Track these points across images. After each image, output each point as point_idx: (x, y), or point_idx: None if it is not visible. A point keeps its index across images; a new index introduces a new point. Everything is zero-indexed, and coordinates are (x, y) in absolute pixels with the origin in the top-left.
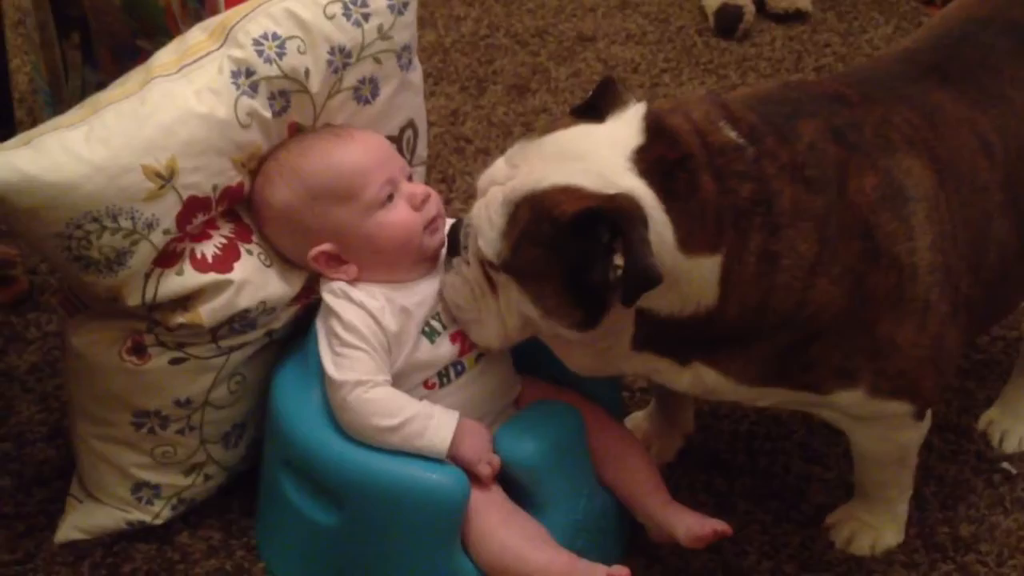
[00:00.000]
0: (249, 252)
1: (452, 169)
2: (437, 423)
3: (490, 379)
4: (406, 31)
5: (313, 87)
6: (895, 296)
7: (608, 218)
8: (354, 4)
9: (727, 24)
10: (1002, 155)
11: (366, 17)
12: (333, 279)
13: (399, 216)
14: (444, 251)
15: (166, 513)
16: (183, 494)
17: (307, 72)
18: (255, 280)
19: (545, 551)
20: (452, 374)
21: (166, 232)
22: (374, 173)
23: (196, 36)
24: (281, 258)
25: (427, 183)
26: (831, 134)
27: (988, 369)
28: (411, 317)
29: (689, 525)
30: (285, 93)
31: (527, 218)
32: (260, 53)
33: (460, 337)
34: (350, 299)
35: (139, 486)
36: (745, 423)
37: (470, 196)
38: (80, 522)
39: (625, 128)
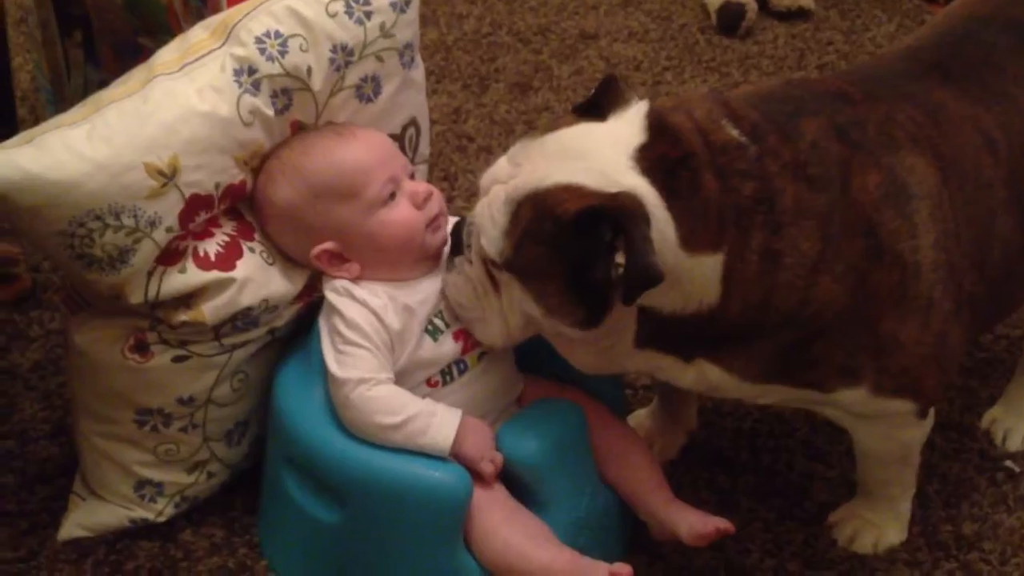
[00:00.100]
0: (251, 250)
1: (454, 167)
2: (440, 421)
3: (493, 377)
4: (408, 29)
5: (315, 85)
6: (898, 294)
7: (610, 217)
8: (356, 2)
9: (729, 22)
10: (1006, 152)
11: (368, 15)
12: (335, 277)
13: (401, 214)
14: (447, 250)
15: (169, 511)
16: (186, 492)
17: (309, 70)
18: (258, 278)
19: (548, 549)
20: (455, 372)
21: (168, 230)
22: (376, 171)
23: (198, 34)
24: (283, 256)
25: (429, 181)
26: (834, 132)
27: (991, 367)
28: (414, 315)
29: (692, 523)
30: (287, 91)
31: (529, 217)
32: (262, 51)
33: (463, 335)
34: (353, 297)
35: (142, 484)
36: (748, 421)
37: (472, 194)
38: (83, 520)
39: (627, 126)
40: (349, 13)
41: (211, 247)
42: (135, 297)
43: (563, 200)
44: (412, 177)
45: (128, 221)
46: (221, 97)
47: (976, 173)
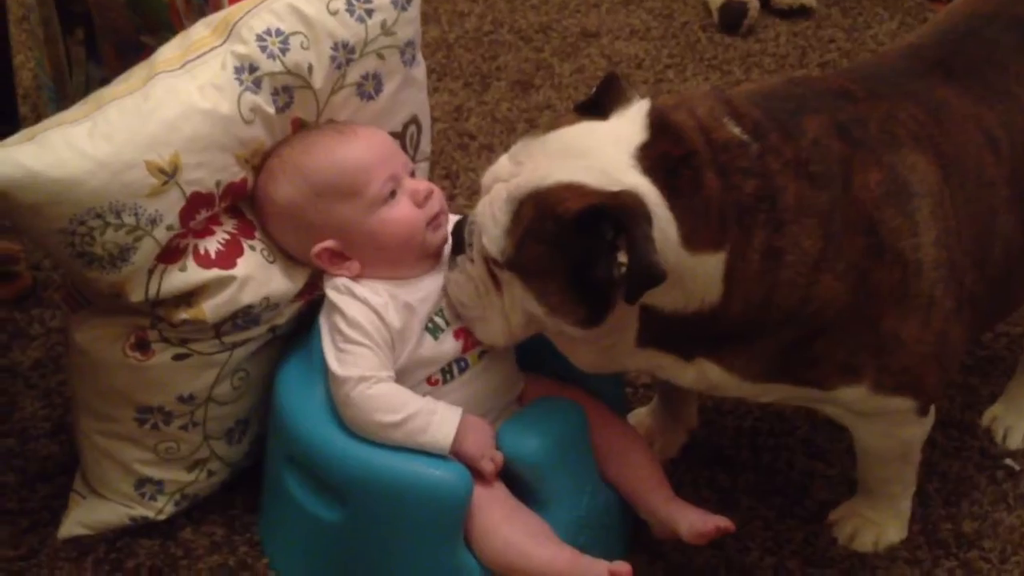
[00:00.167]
0: (252, 248)
1: (456, 165)
2: (440, 419)
3: (493, 376)
4: (409, 27)
5: (316, 83)
6: (899, 292)
7: (612, 215)
8: (358, 0)
9: (731, 20)
10: (1008, 150)
11: (369, 13)
12: (336, 275)
13: (402, 212)
14: (448, 248)
15: (169, 509)
16: (186, 490)
17: (310, 68)
18: (258, 276)
19: (548, 547)
20: (455, 371)
21: (169, 228)
22: (377, 170)
23: (199, 32)
24: (284, 254)
25: (431, 179)
26: (836, 130)
27: (992, 365)
28: (414, 313)
29: (692, 521)
30: (288, 89)
31: (531, 215)
32: (263, 49)
33: (464, 334)
34: (354, 295)
35: (142, 482)
36: (749, 419)
37: (474, 192)
38: (83, 518)
39: (629, 125)
40: (350, 11)
41: (212, 245)
42: (136, 295)
43: (565, 199)
44: (413, 175)
45: (129, 219)
46: (222, 95)
47: (978, 171)
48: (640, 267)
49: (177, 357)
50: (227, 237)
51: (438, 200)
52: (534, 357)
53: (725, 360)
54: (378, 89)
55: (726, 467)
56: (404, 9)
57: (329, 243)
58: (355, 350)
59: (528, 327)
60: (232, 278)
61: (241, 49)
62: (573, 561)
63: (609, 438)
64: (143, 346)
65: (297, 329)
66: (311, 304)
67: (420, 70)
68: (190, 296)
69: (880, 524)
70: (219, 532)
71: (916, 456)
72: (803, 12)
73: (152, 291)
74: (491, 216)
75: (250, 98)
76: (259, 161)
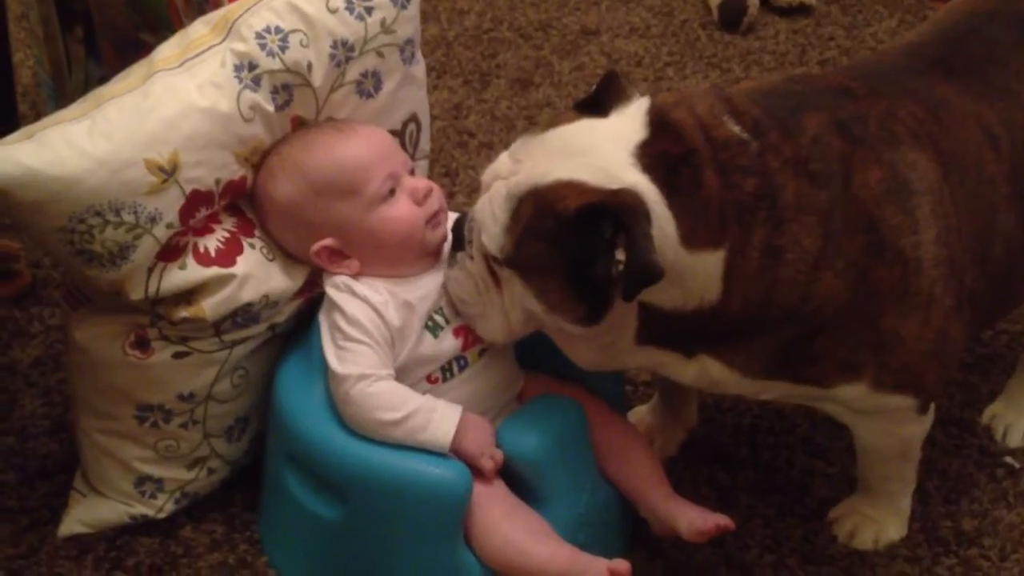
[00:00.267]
0: (252, 246)
1: (455, 163)
2: (440, 417)
3: (493, 374)
4: (409, 25)
5: (316, 81)
6: (899, 290)
7: (611, 213)
8: None
9: (731, 18)
10: (1008, 148)
11: (369, 11)
12: (336, 273)
13: (401, 211)
14: (448, 245)
15: (169, 507)
16: (186, 488)
17: (310, 66)
18: (258, 274)
19: (548, 545)
20: (455, 369)
21: (169, 226)
22: (376, 168)
23: (199, 30)
24: (284, 252)
25: (430, 177)
26: (836, 128)
27: (992, 363)
28: (414, 311)
29: (691, 519)
30: (288, 87)
31: (531, 213)
32: (263, 47)
33: (463, 332)
34: (353, 293)
35: (142, 480)
36: (748, 417)
37: (473, 190)
38: (83, 516)
39: (629, 123)
40: (350, 9)
41: (211, 243)
42: (135, 293)
43: (564, 196)
44: (412, 173)
45: (128, 217)
46: (221, 93)
47: (978, 169)
48: (637, 265)
49: (177, 355)
50: (227, 235)
51: (437, 198)
52: (534, 355)
53: (725, 357)
54: (377, 87)
55: (726, 465)
56: (404, 7)
57: (328, 241)
58: (355, 348)
59: (527, 324)
60: (232, 276)
61: (240, 47)
62: (572, 558)
63: (609, 436)
64: (143, 344)
65: (297, 327)
66: (311, 302)
67: (419, 68)
68: (190, 294)
69: (880, 522)
70: (219, 530)
71: (916, 454)
72: (803, 10)
73: (152, 289)
74: (491, 213)
75: (249, 96)
76: (258, 159)
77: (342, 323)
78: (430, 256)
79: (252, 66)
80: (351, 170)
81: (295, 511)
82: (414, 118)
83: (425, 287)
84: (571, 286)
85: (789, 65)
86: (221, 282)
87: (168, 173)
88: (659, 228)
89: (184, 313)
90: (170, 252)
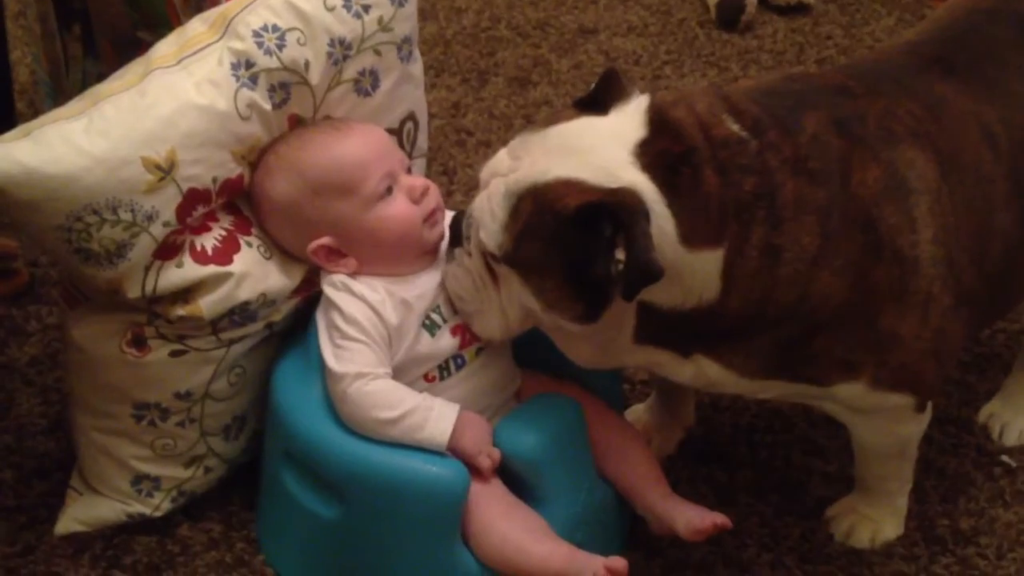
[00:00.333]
0: (249, 244)
1: (453, 162)
2: (437, 415)
3: (491, 372)
4: (407, 23)
5: (313, 79)
6: (897, 289)
7: (610, 212)
8: None
9: (729, 16)
10: (1007, 147)
11: (366, 9)
12: (333, 272)
13: (398, 209)
14: (446, 243)
15: (166, 505)
16: (183, 486)
17: (307, 64)
18: (255, 272)
19: (545, 543)
20: (453, 367)
21: (166, 224)
22: (373, 166)
23: (196, 28)
24: (281, 250)
25: (428, 176)
26: (834, 126)
27: (989, 362)
28: (411, 310)
29: (689, 518)
30: (285, 85)
31: (529, 211)
32: (260, 45)
33: (461, 330)
34: (351, 292)
35: (139, 478)
36: (746, 416)
37: (471, 189)
38: (80, 514)
39: (628, 121)
40: (347, 7)
41: (208, 241)
42: (132, 292)
43: (563, 195)
44: (410, 172)
45: (125, 215)
46: (219, 91)
47: (976, 168)
48: (638, 264)
49: (174, 353)
50: (224, 233)
51: (434, 196)
52: (532, 353)
53: (723, 357)
54: (375, 85)
55: (723, 464)
56: (401, 5)
57: (326, 240)
58: (352, 346)
59: (525, 321)
60: (229, 274)
61: (238, 45)
62: (570, 557)
63: (607, 435)
64: (140, 342)
65: (294, 325)
66: (308, 300)
67: (417, 66)
68: (187, 292)
69: (877, 520)
70: (216, 529)
71: (913, 453)
72: (801, 8)
73: (149, 287)
74: (489, 211)
75: (247, 94)
76: (256, 157)
77: (339, 321)
78: (427, 255)
79: (249, 64)
80: (348, 169)
81: (292, 509)
82: (412, 116)
83: (422, 286)
84: (569, 284)
85: (787, 64)
86: (218, 280)
87: (165, 171)
88: (658, 227)
89: (181, 311)
90: (167, 250)
